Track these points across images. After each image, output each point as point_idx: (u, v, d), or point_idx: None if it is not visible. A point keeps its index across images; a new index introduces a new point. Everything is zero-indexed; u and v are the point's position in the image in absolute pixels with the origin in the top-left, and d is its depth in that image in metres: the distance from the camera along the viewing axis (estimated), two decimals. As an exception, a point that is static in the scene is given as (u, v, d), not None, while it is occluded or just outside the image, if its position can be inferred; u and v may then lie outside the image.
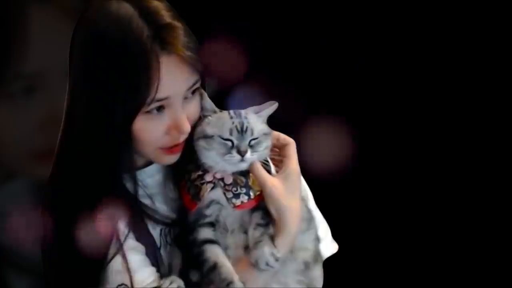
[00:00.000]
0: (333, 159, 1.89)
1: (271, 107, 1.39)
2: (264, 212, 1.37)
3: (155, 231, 1.40)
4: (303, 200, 1.43)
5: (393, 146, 2.32)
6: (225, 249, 1.36)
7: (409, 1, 2.26)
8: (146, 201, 1.41)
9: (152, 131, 1.34)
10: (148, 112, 1.32)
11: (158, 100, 1.31)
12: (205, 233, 1.36)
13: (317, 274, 1.42)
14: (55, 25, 2.13)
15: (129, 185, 1.39)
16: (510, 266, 2.32)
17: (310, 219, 1.43)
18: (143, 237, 1.38)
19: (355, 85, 2.30)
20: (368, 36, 2.28)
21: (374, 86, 2.30)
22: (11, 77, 2.11)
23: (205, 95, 1.38)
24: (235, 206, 1.36)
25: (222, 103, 1.41)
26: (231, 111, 1.38)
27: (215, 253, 1.35)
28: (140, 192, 1.40)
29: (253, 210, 1.37)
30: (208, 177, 1.36)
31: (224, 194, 1.36)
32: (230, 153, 1.34)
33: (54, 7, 2.15)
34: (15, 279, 2.18)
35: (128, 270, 1.34)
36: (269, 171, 1.39)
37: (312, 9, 2.24)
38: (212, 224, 1.37)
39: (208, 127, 1.36)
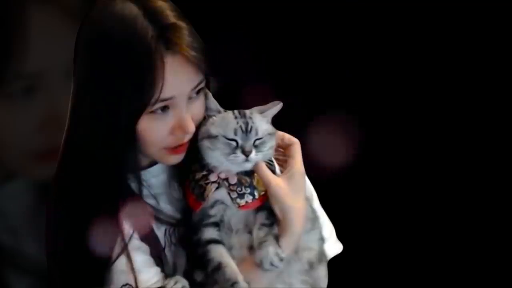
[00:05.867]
0: (338, 159, 1.88)
1: (275, 107, 1.40)
2: (268, 212, 1.37)
3: (160, 231, 1.40)
4: (308, 200, 1.43)
5: (398, 146, 2.32)
6: (230, 249, 1.36)
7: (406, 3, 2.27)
8: (151, 201, 1.41)
9: (157, 131, 1.34)
10: (152, 112, 1.32)
11: (163, 100, 1.31)
12: (210, 233, 1.36)
13: (322, 274, 1.42)
14: (55, 25, 2.13)
15: (133, 185, 1.39)
16: (510, 266, 2.32)
17: (314, 219, 1.44)
18: (148, 237, 1.38)
19: (359, 85, 2.30)
20: (369, 36, 2.28)
21: (377, 85, 2.31)
22: (11, 77, 2.10)
23: (210, 95, 1.39)
24: (239, 206, 1.36)
25: (226, 103, 1.41)
26: (236, 111, 1.38)
27: (219, 253, 1.35)
28: (145, 192, 1.40)
29: (258, 210, 1.37)
30: (213, 177, 1.36)
31: (229, 194, 1.36)
32: (234, 153, 1.34)
33: (54, 7, 2.15)
34: (15, 279, 2.17)
35: (133, 270, 1.34)
36: (273, 171, 1.39)
37: (314, 9, 2.25)
38: (216, 224, 1.37)
39: (213, 127, 1.36)
